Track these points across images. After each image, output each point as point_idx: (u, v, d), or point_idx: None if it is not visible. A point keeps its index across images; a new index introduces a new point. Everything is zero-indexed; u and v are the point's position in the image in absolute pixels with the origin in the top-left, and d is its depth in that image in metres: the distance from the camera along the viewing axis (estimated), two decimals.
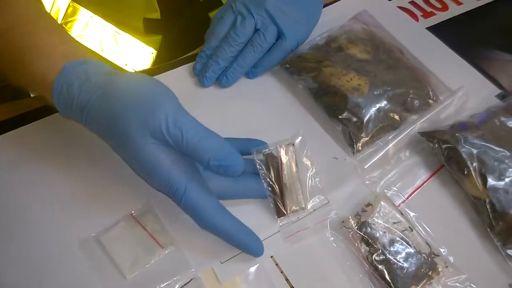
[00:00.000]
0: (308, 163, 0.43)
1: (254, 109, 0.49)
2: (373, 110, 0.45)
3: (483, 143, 0.43)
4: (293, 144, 0.42)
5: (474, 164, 0.42)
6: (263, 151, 0.41)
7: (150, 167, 0.36)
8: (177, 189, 0.36)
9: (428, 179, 0.44)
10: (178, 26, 0.62)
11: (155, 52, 0.61)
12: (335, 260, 0.39)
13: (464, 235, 0.41)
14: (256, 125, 0.47)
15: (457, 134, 0.43)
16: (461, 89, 0.49)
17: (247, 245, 0.38)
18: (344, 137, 0.46)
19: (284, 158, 0.41)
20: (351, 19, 0.54)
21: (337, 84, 0.47)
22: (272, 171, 0.41)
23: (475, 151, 0.42)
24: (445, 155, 0.43)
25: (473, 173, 0.41)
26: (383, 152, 0.44)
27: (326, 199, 0.42)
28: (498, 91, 0.52)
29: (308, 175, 0.42)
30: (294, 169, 0.41)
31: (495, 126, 0.45)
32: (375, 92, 0.46)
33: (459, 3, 0.60)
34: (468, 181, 0.42)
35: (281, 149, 0.41)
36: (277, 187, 0.40)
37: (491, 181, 0.41)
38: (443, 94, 0.49)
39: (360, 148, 0.44)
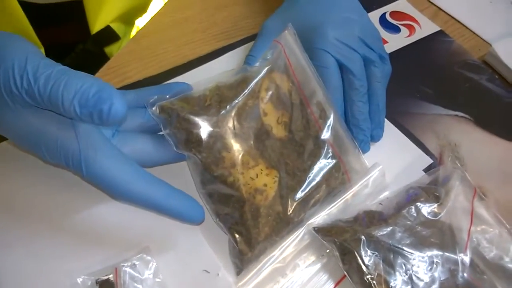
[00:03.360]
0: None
1: None
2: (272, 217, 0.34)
3: (393, 245, 0.34)
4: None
5: (380, 276, 0.32)
6: None
7: (33, 140, 0.30)
8: (73, 158, 0.29)
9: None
10: (67, 63, 0.52)
11: None
12: None
13: None
14: None
15: (358, 233, 0.34)
16: (377, 167, 0.39)
17: (182, 210, 0.32)
18: (229, 251, 0.35)
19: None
20: (274, 41, 0.39)
21: (236, 182, 0.33)
22: None
23: (380, 258, 0.33)
24: (344, 262, 0.34)
25: None
26: (272, 262, 0.33)
27: None
28: (427, 159, 0.43)
29: None
30: None
31: (409, 217, 0.36)
32: (282, 193, 0.35)
33: (384, 42, 0.51)
34: None
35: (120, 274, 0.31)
36: None
37: None
38: (359, 172, 0.39)
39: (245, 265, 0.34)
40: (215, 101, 0.34)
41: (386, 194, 0.39)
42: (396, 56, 0.50)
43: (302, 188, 0.36)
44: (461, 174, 0.39)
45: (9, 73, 0.28)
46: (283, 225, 0.35)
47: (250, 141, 0.35)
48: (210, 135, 0.33)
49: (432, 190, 0.37)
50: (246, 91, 0.35)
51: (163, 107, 0.34)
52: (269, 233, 0.34)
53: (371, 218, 0.35)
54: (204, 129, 0.33)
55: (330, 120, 0.39)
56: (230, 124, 0.34)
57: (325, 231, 0.35)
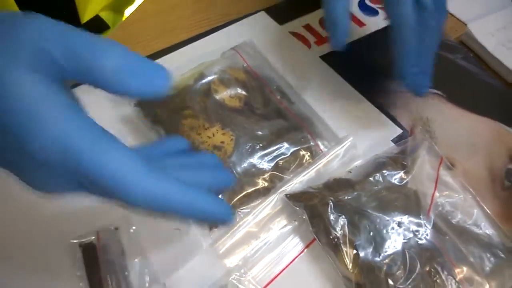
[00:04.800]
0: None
1: None
2: (235, 175, 0.38)
3: (358, 208, 0.36)
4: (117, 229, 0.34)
5: (345, 236, 0.34)
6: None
7: (29, 115, 0.21)
8: (79, 149, 0.22)
9: (299, 254, 0.37)
10: None
11: None
12: None
13: None
14: None
15: (326, 198, 0.36)
16: (348, 138, 0.41)
17: (213, 210, 0.25)
18: None
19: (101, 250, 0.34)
20: (231, 49, 0.46)
21: (195, 141, 0.39)
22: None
23: (346, 220, 0.35)
24: (313, 225, 0.36)
25: (343, 249, 0.34)
26: (245, 226, 0.36)
27: (165, 287, 0.34)
28: (398, 130, 0.45)
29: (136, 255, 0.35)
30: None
31: (376, 183, 0.38)
32: (242, 150, 0.39)
33: (362, 24, 0.53)
34: (338, 258, 0.35)
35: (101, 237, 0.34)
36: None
37: (363, 259, 0.33)
38: (330, 143, 0.42)
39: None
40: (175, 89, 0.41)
41: (356, 163, 0.41)
42: (373, 37, 0.52)
43: (264, 153, 0.39)
44: (429, 144, 0.41)
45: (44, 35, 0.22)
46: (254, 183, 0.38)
47: (206, 112, 0.40)
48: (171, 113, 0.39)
49: (399, 159, 0.39)
50: (202, 80, 0.42)
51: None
52: (239, 191, 0.37)
53: (340, 185, 0.37)
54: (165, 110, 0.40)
55: (293, 98, 0.43)
56: (188, 104, 0.40)
57: (296, 197, 0.37)
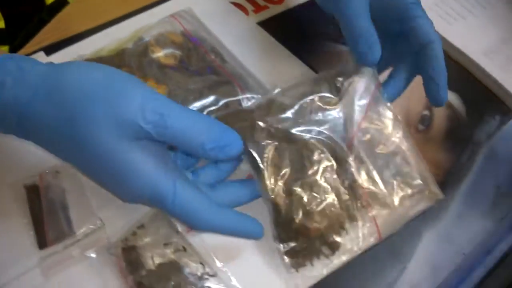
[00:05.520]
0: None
1: None
2: None
3: (286, 132, 0.38)
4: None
5: (268, 160, 0.37)
6: None
7: (127, 174, 0.30)
8: (166, 193, 0.30)
9: None
10: (25, 33, 0.58)
11: None
12: None
13: (249, 252, 0.38)
14: None
15: (254, 121, 0.37)
16: (275, 88, 0.45)
17: (250, 234, 0.36)
18: None
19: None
20: (169, 17, 0.49)
21: None
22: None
23: (272, 144, 0.37)
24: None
25: (265, 172, 0.36)
26: None
27: (101, 221, 0.38)
28: None
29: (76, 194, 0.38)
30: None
31: (309, 106, 0.39)
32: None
33: None
34: (261, 180, 0.37)
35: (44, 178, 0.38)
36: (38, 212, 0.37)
37: (283, 183, 0.36)
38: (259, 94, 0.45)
39: None
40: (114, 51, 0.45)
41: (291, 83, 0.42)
42: (307, 5, 0.56)
43: (197, 102, 0.42)
44: (369, 70, 0.40)
45: (136, 107, 0.28)
46: None
47: (142, 69, 0.43)
48: None
49: (335, 82, 0.40)
50: (140, 42, 0.46)
51: None
52: None
53: (271, 106, 0.39)
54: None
55: (227, 58, 0.47)
56: (126, 63, 0.44)
57: (222, 118, 0.37)
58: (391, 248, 0.39)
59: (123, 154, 0.29)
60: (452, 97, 0.49)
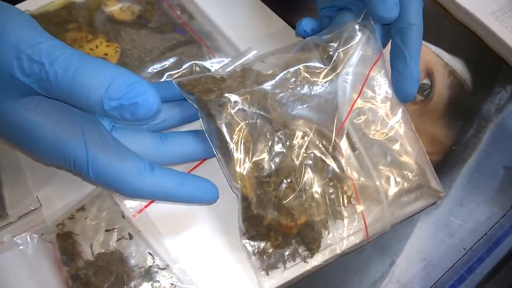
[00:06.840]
0: None
1: None
2: None
3: (262, 111, 0.31)
4: None
5: (238, 144, 0.30)
6: None
7: (26, 137, 0.26)
8: (76, 155, 0.26)
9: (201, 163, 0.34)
10: None
11: None
12: (36, 285, 0.30)
13: (211, 242, 0.32)
14: None
15: (224, 95, 0.30)
16: (250, 51, 0.39)
17: (198, 197, 0.30)
18: None
19: None
20: None
21: None
22: None
23: (243, 125, 0.30)
24: (205, 123, 0.31)
25: (234, 158, 0.30)
26: None
27: (38, 201, 0.32)
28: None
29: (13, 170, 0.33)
30: None
31: (291, 78, 0.32)
32: (127, 63, 0.36)
33: None
34: (228, 166, 0.30)
35: None
36: None
37: (253, 171, 0.30)
38: (231, 57, 0.39)
39: None
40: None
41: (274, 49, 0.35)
42: None
43: (156, 64, 0.36)
44: (368, 36, 0.34)
45: (11, 53, 0.23)
46: None
47: (92, 24, 0.38)
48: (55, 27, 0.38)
49: (327, 49, 0.34)
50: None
51: None
52: None
53: (247, 77, 0.32)
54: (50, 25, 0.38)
55: (195, 14, 0.41)
56: (73, 17, 0.38)
57: (189, 87, 0.32)
58: (377, 239, 0.33)
59: (13, 116, 0.25)
60: (456, 64, 0.42)
